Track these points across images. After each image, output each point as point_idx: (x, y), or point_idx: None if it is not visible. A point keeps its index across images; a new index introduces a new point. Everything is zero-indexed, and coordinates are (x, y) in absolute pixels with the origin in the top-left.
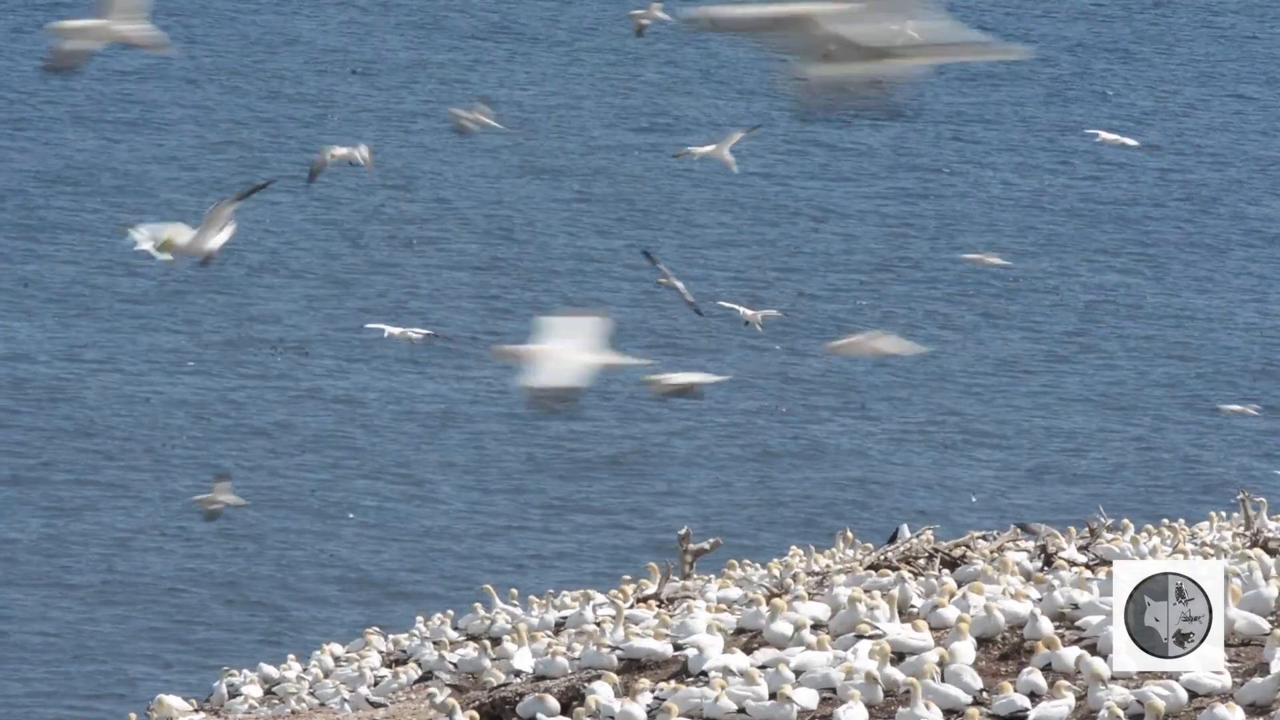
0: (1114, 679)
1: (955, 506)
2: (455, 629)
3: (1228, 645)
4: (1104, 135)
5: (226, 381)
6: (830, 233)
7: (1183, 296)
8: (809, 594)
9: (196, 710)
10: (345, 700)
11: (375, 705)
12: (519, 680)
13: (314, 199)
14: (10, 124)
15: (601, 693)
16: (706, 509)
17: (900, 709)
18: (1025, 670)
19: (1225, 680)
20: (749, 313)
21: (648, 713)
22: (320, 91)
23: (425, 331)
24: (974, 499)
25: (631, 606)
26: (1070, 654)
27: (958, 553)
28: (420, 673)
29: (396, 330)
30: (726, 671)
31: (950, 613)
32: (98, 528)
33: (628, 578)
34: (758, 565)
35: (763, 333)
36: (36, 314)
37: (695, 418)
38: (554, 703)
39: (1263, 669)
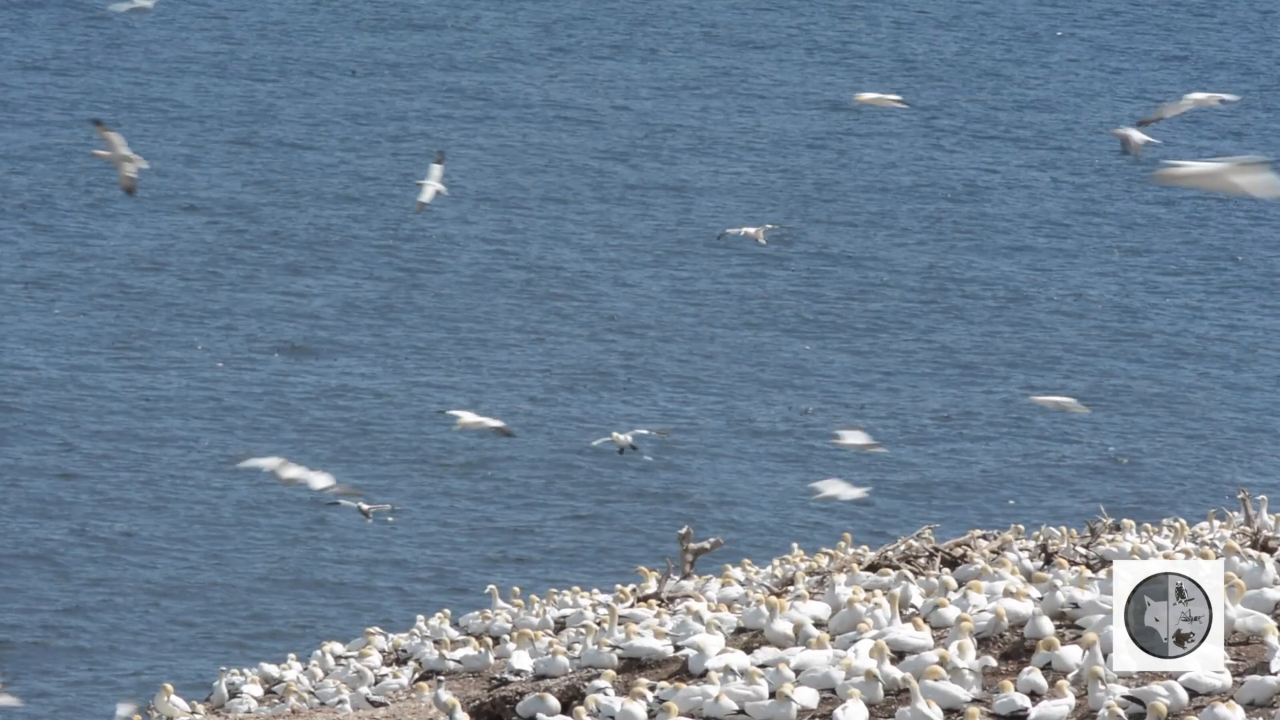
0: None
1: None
2: (455, 627)
3: (1228, 645)
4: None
5: (247, 376)
6: None
7: None
8: (809, 593)
9: (194, 712)
10: (345, 700)
11: (376, 705)
12: (519, 679)
13: None
14: None
15: (601, 692)
16: (717, 508)
17: (900, 708)
18: (1025, 670)
19: (1225, 680)
20: (751, 230)
21: (648, 713)
22: None
23: None
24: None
25: (632, 606)
26: (1071, 653)
27: (958, 552)
28: (421, 671)
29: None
30: (727, 671)
31: (950, 612)
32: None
33: (632, 586)
34: (757, 569)
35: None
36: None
37: (704, 416)
38: (554, 702)
39: (1263, 668)
